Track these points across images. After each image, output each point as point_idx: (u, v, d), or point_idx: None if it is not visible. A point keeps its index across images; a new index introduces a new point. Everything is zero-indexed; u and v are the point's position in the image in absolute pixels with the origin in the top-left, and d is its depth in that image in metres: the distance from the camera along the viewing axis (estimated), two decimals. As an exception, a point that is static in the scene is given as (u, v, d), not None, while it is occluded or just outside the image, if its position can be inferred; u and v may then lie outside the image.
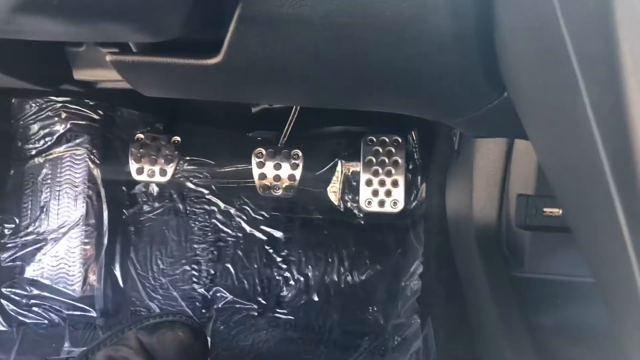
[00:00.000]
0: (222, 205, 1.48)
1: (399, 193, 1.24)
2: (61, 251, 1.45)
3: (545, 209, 0.84)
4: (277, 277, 1.46)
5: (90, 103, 1.43)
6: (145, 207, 1.49)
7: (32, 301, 1.45)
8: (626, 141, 0.28)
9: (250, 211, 1.48)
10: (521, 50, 0.43)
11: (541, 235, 0.87)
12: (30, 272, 1.46)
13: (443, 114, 0.72)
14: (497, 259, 0.91)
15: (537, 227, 0.86)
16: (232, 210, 1.48)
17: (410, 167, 1.37)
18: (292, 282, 1.46)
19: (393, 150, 1.24)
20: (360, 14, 0.49)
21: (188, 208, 1.49)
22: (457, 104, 0.63)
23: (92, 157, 1.45)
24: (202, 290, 1.46)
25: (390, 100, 0.67)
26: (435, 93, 0.60)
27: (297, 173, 1.26)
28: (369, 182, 1.24)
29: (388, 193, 1.23)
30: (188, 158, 1.46)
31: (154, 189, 1.49)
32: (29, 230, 1.46)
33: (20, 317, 1.45)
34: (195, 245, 1.49)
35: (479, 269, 0.91)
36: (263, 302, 1.45)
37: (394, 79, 0.57)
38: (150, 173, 1.30)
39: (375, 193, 1.23)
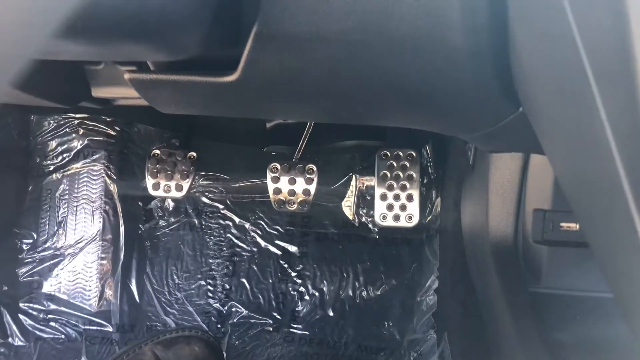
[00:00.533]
0: (237, 220, 1.49)
1: (413, 207, 1.23)
2: (78, 266, 1.47)
3: (562, 224, 0.83)
4: (292, 292, 1.46)
5: (107, 119, 1.45)
6: (161, 222, 1.50)
7: (50, 316, 1.47)
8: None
9: (265, 226, 1.48)
10: (536, 66, 0.43)
11: (559, 250, 0.86)
12: (47, 287, 1.47)
13: (458, 129, 0.72)
14: (514, 274, 0.90)
15: (555, 242, 0.85)
16: (247, 225, 1.49)
17: (425, 181, 1.37)
18: (307, 297, 1.45)
19: (407, 164, 1.24)
20: (376, 32, 0.50)
21: (203, 223, 1.50)
22: (473, 119, 0.63)
23: (109, 172, 1.46)
24: (218, 305, 1.47)
25: (405, 115, 0.67)
26: (451, 108, 0.60)
27: (312, 187, 1.26)
28: (383, 197, 1.24)
29: (403, 207, 1.23)
30: (203, 173, 1.48)
31: (170, 204, 1.50)
32: (46, 245, 1.47)
33: (37, 332, 1.46)
34: (211, 260, 1.49)
35: (496, 284, 0.90)
36: (278, 317, 1.45)
37: (409, 94, 0.57)
38: (166, 188, 1.31)
39: (390, 207, 1.23)
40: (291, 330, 1.44)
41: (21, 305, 1.47)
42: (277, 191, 1.27)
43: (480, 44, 0.49)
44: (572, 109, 0.37)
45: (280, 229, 1.48)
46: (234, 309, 1.46)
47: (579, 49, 0.32)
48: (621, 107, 0.30)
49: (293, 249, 1.47)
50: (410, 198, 1.23)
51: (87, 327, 1.46)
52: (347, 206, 1.45)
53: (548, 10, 0.37)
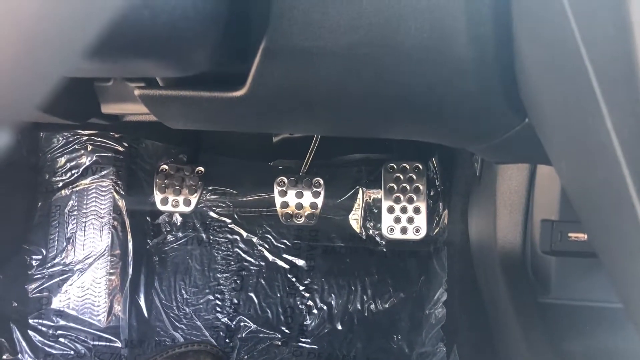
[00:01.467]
0: (244, 234, 1.49)
1: (421, 220, 1.23)
2: (87, 282, 1.47)
3: (570, 234, 0.83)
4: (300, 306, 1.46)
5: (115, 136, 1.46)
6: (169, 237, 1.51)
7: (59, 332, 1.47)
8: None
9: (273, 240, 1.49)
10: (542, 76, 0.43)
11: (567, 261, 0.86)
12: (56, 302, 1.47)
13: (465, 141, 0.72)
14: (523, 285, 0.90)
15: (563, 253, 0.85)
16: (255, 239, 1.49)
17: (432, 193, 1.37)
18: (315, 311, 1.45)
19: (414, 177, 1.24)
20: (382, 45, 0.50)
21: (211, 237, 1.50)
22: (479, 131, 0.64)
23: (117, 188, 1.47)
24: (226, 319, 1.47)
25: (412, 127, 0.68)
26: (457, 120, 0.61)
27: (319, 201, 1.26)
28: (390, 209, 1.24)
29: (410, 220, 1.23)
30: (211, 188, 1.48)
31: (178, 219, 1.51)
32: (55, 261, 1.48)
33: (47, 348, 1.46)
34: (219, 275, 1.49)
35: (505, 295, 0.90)
36: (286, 331, 1.45)
37: (416, 106, 0.58)
38: (174, 203, 1.32)
39: (397, 220, 1.23)
40: (300, 344, 1.44)
41: (30, 321, 1.47)
42: (285, 205, 1.27)
43: (485, 54, 0.50)
44: (577, 118, 0.37)
45: (288, 243, 1.48)
46: (242, 324, 1.46)
47: (583, 58, 0.33)
48: (626, 114, 0.30)
49: (301, 262, 1.47)
50: (417, 210, 1.24)
51: (96, 342, 1.46)
52: (354, 219, 1.45)
53: (552, 20, 0.38)
